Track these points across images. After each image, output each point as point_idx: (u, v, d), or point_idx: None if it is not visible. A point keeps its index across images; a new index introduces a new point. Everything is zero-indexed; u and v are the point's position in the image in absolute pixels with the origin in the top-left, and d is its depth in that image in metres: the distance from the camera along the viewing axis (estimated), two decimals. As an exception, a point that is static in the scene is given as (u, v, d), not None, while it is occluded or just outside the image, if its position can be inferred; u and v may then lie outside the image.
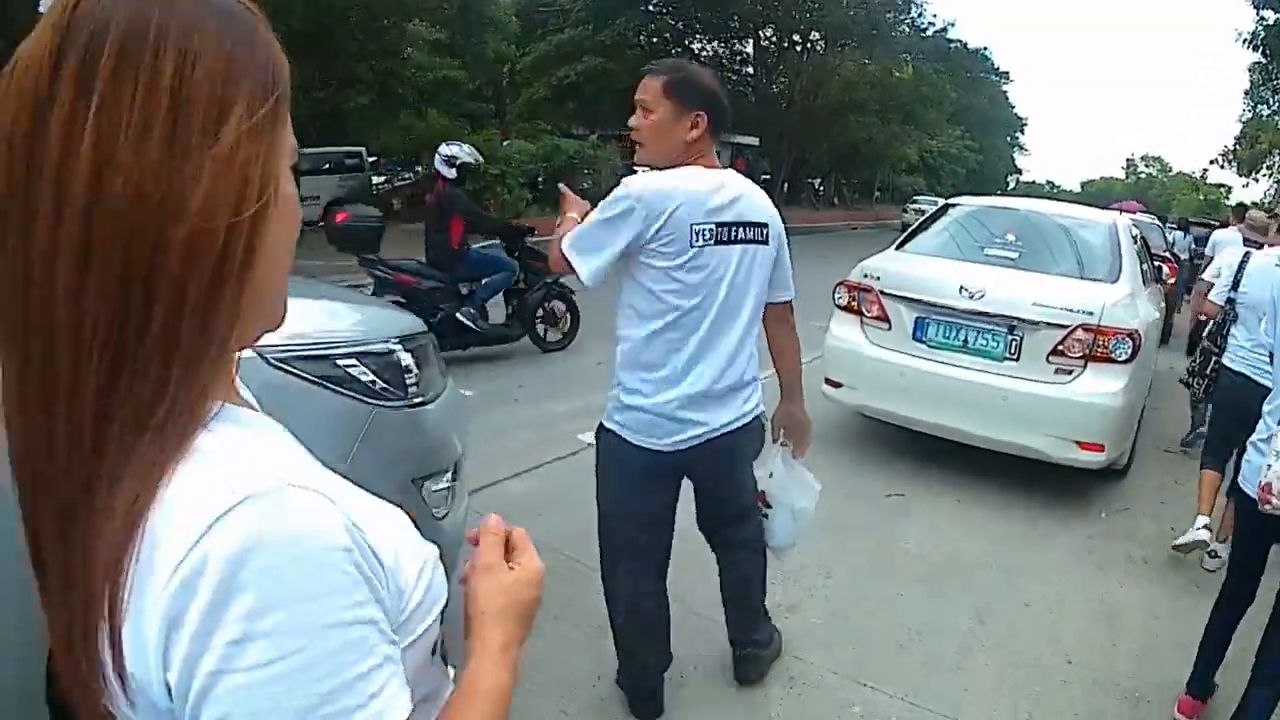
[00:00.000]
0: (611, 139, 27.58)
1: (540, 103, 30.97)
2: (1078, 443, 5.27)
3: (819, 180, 45.88)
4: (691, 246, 2.51)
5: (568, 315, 8.80)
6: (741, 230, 2.60)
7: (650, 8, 31.08)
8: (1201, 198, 77.72)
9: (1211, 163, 41.70)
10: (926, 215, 7.07)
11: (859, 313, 5.99)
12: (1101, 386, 5.23)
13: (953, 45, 43.45)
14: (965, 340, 5.55)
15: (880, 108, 34.13)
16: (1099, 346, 5.21)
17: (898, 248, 6.58)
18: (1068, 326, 5.25)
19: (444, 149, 7.96)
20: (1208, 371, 5.48)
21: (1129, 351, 5.21)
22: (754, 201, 2.67)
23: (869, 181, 50.04)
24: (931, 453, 6.04)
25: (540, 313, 8.63)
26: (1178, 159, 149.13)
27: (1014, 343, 5.40)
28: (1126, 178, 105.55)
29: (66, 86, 0.61)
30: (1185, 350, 8.61)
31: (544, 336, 8.74)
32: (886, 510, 5.39)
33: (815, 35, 34.51)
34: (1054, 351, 5.29)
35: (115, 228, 0.61)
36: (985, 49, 58.87)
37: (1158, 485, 6.19)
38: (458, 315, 7.82)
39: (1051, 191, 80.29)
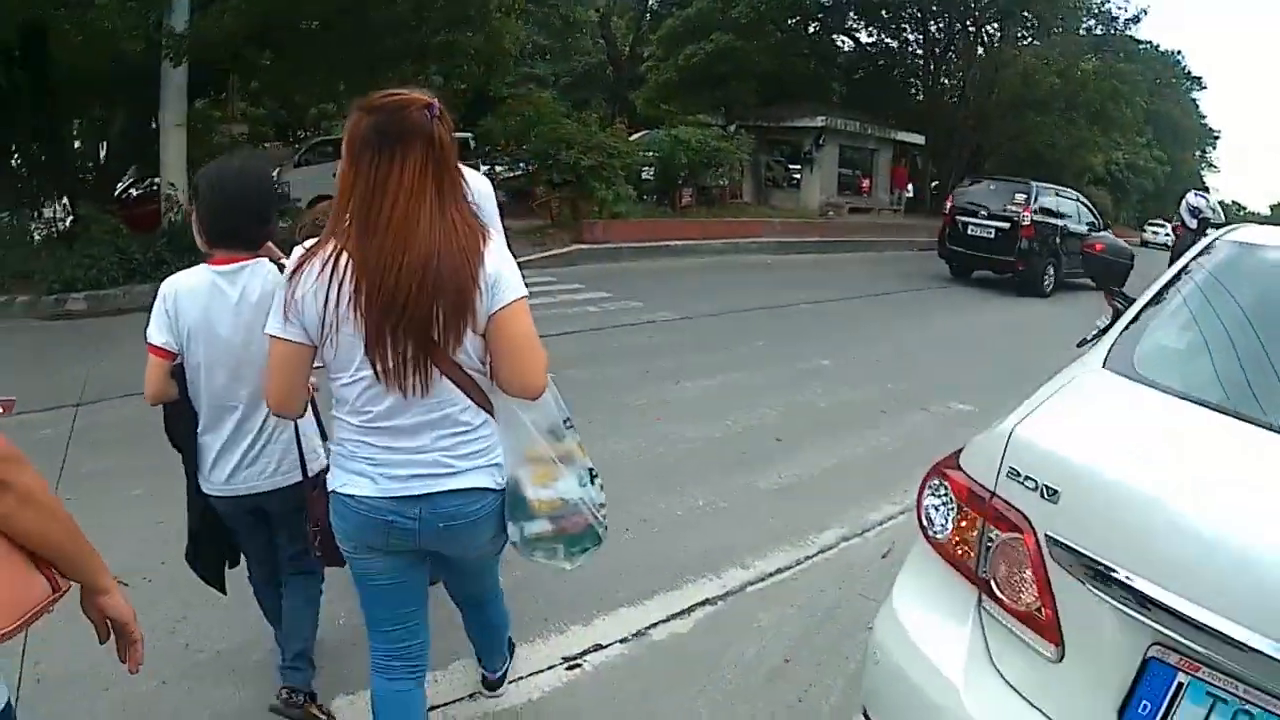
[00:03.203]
0: (747, 130, 23.77)
1: (668, 86, 27.37)
2: None
3: None
4: None
5: None
6: None
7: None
8: None
9: None
10: (1180, 268, 2.95)
11: (976, 579, 2.06)
12: None
13: (1142, 46, 37.02)
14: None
15: (1065, 105, 28.74)
16: None
17: (1115, 365, 2.39)
18: None
19: (1190, 199, 8.46)
20: None
21: None
22: None
23: None
24: None
25: None
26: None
27: None
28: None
29: None
30: None
31: None
32: None
33: (990, 26, 29.55)
34: None
35: None
36: (1178, 52, 52.43)
37: None
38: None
39: (1238, 214, 71.43)
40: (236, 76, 15.59)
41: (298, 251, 2.05)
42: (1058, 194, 17.02)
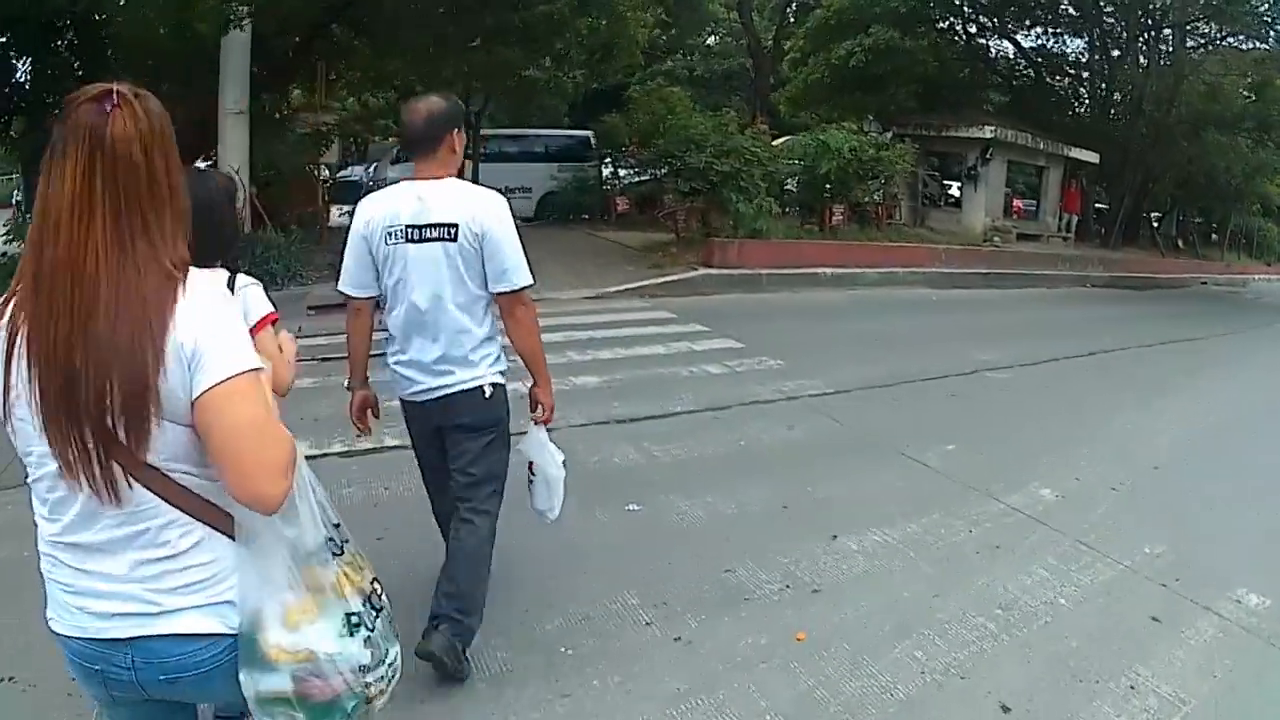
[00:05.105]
0: (904, 139, 20.68)
1: (817, 86, 24.40)
2: None
3: (1159, 216, 35.11)
4: (386, 245, 3.18)
5: None
6: (430, 230, 3.12)
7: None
8: None
9: None
10: None
11: None
12: None
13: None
14: None
15: (1257, 124, 24.59)
16: None
17: None
18: None
19: None
20: None
21: None
22: (445, 206, 3.11)
23: (1222, 222, 37.81)
24: None
25: None
26: None
27: None
28: None
29: None
30: None
31: None
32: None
33: (1167, 30, 25.63)
34: None
35: None
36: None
37: None
38: None
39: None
40: (323, 62, 13.97)
41: None
42: None
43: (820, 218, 17.10)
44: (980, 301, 15.30)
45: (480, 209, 3.12)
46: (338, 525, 1.80)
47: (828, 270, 14.85)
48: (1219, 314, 18.92)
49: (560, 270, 13.52)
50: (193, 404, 1.51)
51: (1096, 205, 29.37)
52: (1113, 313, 16.26)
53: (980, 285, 17.04)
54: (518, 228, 3.21)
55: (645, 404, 6.92)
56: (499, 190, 3.34)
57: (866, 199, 18.40)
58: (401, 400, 3.45)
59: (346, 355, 3.52)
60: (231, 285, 2.63)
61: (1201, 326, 15.47)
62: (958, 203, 24.22)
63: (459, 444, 3.38)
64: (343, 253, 3.35)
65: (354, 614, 1.74)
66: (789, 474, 5.65)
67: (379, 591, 1.85)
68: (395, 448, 5.56)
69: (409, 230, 3.12)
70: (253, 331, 2.66)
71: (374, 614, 1.80)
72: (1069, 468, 6.32)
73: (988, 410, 7.83)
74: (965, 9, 26.14)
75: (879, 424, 6.99)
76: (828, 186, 16.94)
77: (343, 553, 1.78)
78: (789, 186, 17.86)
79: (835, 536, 4.76)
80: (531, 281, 3.21)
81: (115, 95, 1.49)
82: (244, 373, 1.52)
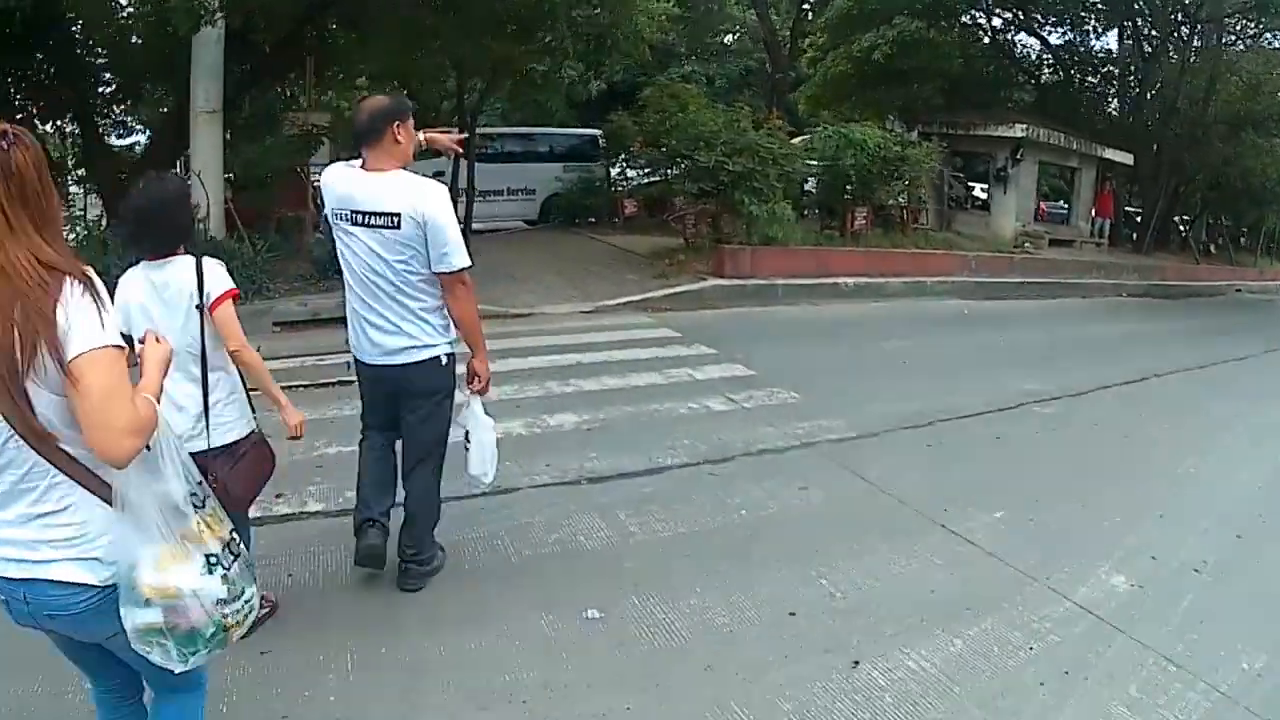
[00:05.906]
0: (928, 138, 19.43)
1: (840, 80, 23.19)
2: None
3: (1188, 220, 33.01)
4: (334, 225, 3.58)
5: None
6: (373, 217, 3.46)
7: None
8: None
9: None
10: None
11: None
12: None
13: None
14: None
15: None
16: None
17: None
18: None
19: None
20: None
21: None
22: (390, 196, 3.44)
23: (1255, 225, 35.58)
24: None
25: None
26: None
27: None
28: None
29: None
30: None
31: None
32: None
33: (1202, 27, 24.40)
34: None
35: None
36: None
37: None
38: None
39: None
40: (311, 58, 13.02)
41: None
42: None
43: (841, 222, 15.90)
44: (1016, 315, 14.10)
45: (422, 199, 3.46)
46: (200, 483, 2.09)
47: (849, 280, 13.67)
48: (1261, 326, 17.54)
49: (556, 280, 12.45)
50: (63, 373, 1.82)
51: (1127, 209, 27.96)
52: (1153, 328, 15.04)
53: (1013, 295, 15.83)
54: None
55: (628, 454, 5.80)
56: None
57: (891, 201, 17.20)
58: (359, 362, 3.81)
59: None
60: (200, 267, 3.10)
61: (1248, 342, 14.16)
62: (985, 205, 22.91)
63: (413, 407, 3.80)
64: (320, 257, 4.03)
65: (212, 555, 2.07)
66: (799, 559, 4.51)
67: (236, 541, 2.16)
68: (316, 514, 4.66)
69: (354, 215, 3.52)
70: (213, 306, 3.09)
71: (231, 558, 2.12)
72: (1140, 540, 5.16)
73: (1037, 457, 6.66)
74: (988, 1, 24.79)
75: (912, 480, 5.82)
76: (848, 187, 15.74)
77: (204, 506, 2.09)
78: (808, 187, 16.68)
79: (856, 663, 3.61)
80: (469, 264, 3.58)
81: (11, 134, 1.83)
82: (99, 348, 1.80)
